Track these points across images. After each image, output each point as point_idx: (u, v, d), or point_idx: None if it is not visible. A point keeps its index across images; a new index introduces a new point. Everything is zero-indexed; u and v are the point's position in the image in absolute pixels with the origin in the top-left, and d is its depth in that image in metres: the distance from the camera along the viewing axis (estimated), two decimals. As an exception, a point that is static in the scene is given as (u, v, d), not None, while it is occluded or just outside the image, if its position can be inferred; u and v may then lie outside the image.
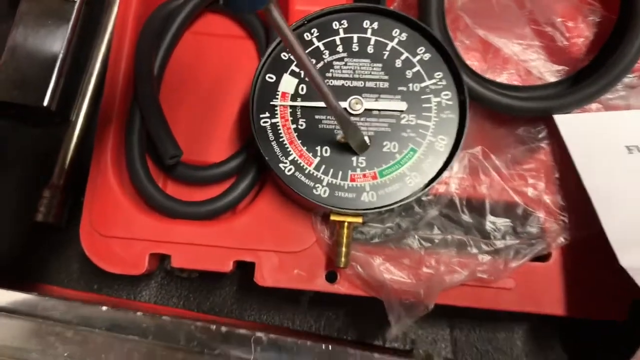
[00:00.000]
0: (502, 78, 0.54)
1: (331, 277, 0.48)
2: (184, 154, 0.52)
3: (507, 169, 0.49)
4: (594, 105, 0.50)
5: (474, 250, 0.47)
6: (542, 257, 0.48)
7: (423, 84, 0.47)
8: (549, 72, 0.53)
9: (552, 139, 0.50)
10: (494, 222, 0.48)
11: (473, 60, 0.54)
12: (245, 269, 0.50)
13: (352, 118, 0.45)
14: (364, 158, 0.46)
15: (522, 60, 0.53)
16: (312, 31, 0.48)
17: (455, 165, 0.49)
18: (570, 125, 0.49)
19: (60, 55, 0.57)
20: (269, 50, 0.47)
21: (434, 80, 0.47)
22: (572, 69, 0.53)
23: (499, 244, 0.47)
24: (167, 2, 0.55)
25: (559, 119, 0.49)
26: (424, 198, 0.49)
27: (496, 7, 0.51)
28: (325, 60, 0.48)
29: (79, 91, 0.59)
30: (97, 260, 0.48)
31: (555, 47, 0.53)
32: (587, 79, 0.50)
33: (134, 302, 0.57)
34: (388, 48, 0.48)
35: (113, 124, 0.51)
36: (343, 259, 0.45)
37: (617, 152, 0.48)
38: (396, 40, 0.48)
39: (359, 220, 0.45)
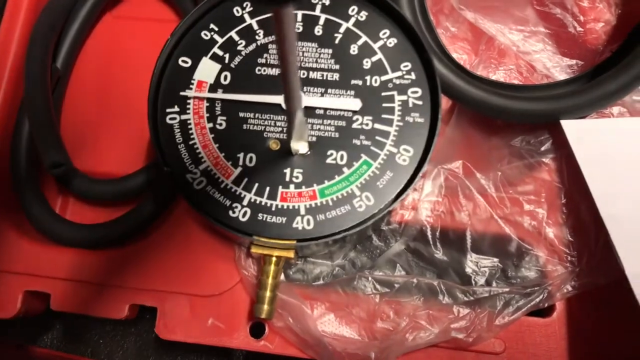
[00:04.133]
0: (498, 75, 0.44)
1: (257, 331, 0.38)
2: (92, 165, 0.44)
3: (496, 191, 0.39)
4: (615, 109, 0.41)
5: (448, 300, 0.37)
6: (542, 312, 0.38)
7: (385, 77, 0.37)
8: (557, 67, 0.44)
9: (558, 152, 0.40)
10: (477, 262, 0.38)
11: (461, 53, 0.45)
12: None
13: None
14: (300, 171, 0.36)
15: (522, 52, 0.44)
16: (244, 5, 0.39)
17: (427, 185, 0.39)
18: (582, 133, 0.38)
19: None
20: (183, 24, 0.38)
21: (399, 73, 0.37)
22: (588, 63, 0.43)
23: (483, 291, 0.37)
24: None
25: (568, 126, 0.39)
26: (385, 227, 0.39)
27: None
28: (259, 43, 0.38)
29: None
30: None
31: (565, 34, 0.44)
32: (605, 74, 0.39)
33: (31, 348, 0.47)
34: (341, 30, 0.38)
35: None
36: (265, 307, 0.35)
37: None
38: (353, 20, 0.39)
39: (290, 254, 0.35)
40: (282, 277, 0.38)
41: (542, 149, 0.40)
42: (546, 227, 0.39)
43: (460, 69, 0.42)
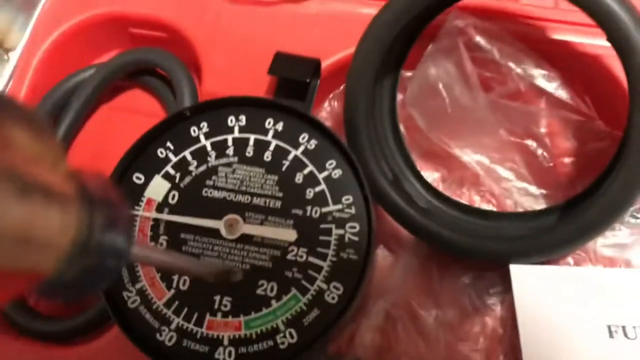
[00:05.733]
0: (470, 195, 0.44)
1: None
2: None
3: (435, 332, 0.38)
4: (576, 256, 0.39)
5: None
6: None
7: (325, 209, 0.38)
8: (529, 197, 0.42)
9: (505, 296, 0.39)
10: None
11: (433, 171, 0.45)
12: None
13: (225, 243, 0.37)
14: (229, 299, 0.37)
15: (493, 178, 0.43)
16: (201, 125, 0.41)
17: (367, 317, 0.39)
18: (528, 280, 0.37)
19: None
20: (141, 140, 0.40)
21: (339, 206, 0.38)
22: (560, 195, 0.41)
23: None
24: (73, 74, 0.50)
25: (515, 270, 0.38)
26: (321, 358, 0.39)
27: (450, 109, 0.41)
28: (210, 164, 0.40)
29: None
30: None
31: (537, 165, 0.42)
32: (569, 214, 0.38)
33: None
34: (290, 157, 0.39)
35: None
36: None
37: (593, 333, 0.36)
38: (302, 148, 0.39)
39: (211, 383, 0.36)
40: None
41: (491, 291, 0.39)
42: (482, 377, 0.38)
43: (427, 188, 0.43)
